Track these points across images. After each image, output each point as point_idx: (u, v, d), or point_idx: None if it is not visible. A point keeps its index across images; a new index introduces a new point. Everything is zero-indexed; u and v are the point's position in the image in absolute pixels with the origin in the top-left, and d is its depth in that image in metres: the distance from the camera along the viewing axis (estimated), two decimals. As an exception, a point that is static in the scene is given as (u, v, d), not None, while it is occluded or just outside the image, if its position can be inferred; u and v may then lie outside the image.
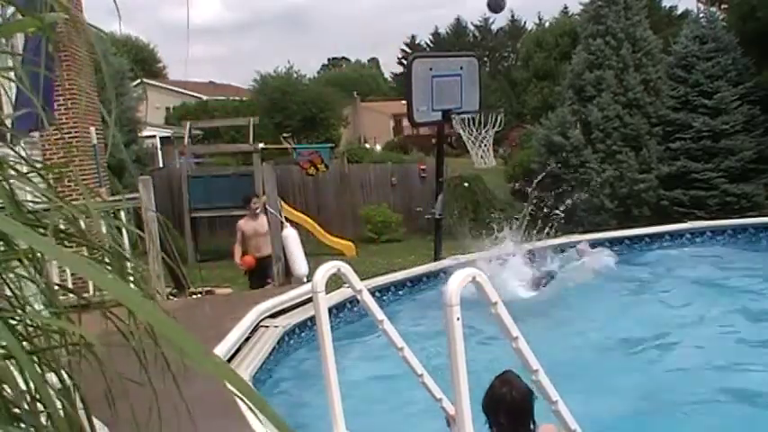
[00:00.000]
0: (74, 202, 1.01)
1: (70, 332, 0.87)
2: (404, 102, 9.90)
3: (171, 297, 7.85)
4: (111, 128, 0.98)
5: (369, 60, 71.87)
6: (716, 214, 12.97)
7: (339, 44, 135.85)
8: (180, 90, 38.42)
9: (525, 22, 47.25)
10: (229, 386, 0.67)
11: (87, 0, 9.97)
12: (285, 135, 24.20)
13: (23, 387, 0.85)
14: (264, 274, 9.25)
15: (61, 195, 1.02)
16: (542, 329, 6.26)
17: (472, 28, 49.98)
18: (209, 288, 9.10)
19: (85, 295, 1.17)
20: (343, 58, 73.70)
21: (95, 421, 0.99)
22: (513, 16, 47.85)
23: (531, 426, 3.15)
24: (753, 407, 4.93)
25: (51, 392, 0.91)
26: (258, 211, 9.38)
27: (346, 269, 3.47)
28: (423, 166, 17.18)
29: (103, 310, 1.01)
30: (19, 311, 0.92)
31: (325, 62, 73.26)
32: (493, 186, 17.18)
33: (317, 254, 11.09)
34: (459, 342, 2.43)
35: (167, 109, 33.93)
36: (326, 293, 3.56)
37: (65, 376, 0.94)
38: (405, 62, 37.67)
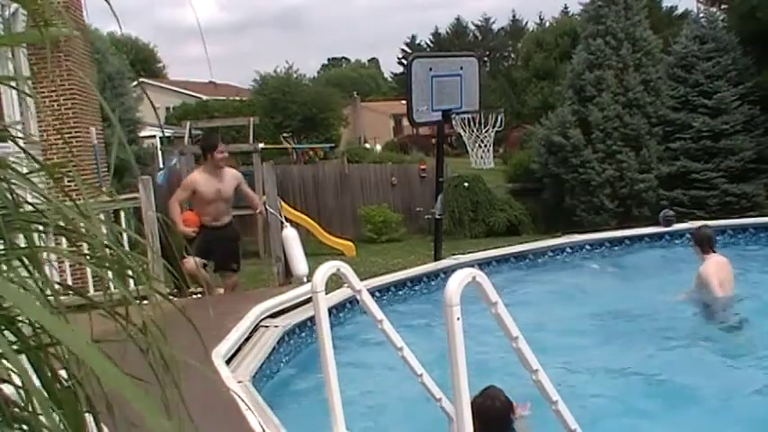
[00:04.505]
0: (72, 201, 1.00)
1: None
2: (404, 102, 9.90)
3: (170, 297, 7.85)
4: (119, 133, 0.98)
5: (369, 60, 71.96)
6: (716, 214, 12.97)
7: (339, 44, 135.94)
8: (180, 90, 38.46)
9: (526, 22, 47.33)
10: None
11: (87, 1, 9.96)
12: (285, 135, 24.21)
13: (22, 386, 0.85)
14: (227, 254, 6.81)
15: (61, 195, 1.02)
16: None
17: (472, 28, 50.03)
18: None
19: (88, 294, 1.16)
20: (343, 58, 73.79)
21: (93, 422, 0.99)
22: (513, 16, 47.93)
23: None
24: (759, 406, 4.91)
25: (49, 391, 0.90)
26: (222, 164, 6.69)
27: (346, 269, 3.47)
28: (423, 167, 17.19)
29: (106, 310, 1.01)
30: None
31: (325, 62, 73.36)
32: (493, 186, 17.17)
33: (317, 254, 11.09)
34: (459, 342, 2.44)
35: (167, 109, 33.95)
36: (326, 293, 3.56)
37: (65, 375, 0.94)
38: (405, 62, 37.70)
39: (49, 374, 0.91)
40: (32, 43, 1.02)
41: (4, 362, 0.77)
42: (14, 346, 0.87)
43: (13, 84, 1.00)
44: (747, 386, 5.20)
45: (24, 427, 0.86)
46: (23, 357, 0.87)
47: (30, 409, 0.87)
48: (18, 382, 0.86)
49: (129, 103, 18.14)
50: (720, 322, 6.51)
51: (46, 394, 0.85)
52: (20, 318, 0.89)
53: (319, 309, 3.44)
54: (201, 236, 6.58)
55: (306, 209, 15.46)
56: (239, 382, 4.35)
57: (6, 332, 0.87)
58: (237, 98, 32.03)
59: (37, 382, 0.87)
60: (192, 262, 6.00)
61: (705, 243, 6.73)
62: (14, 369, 0.74)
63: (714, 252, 6.73)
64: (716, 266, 6.57)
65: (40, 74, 8.15)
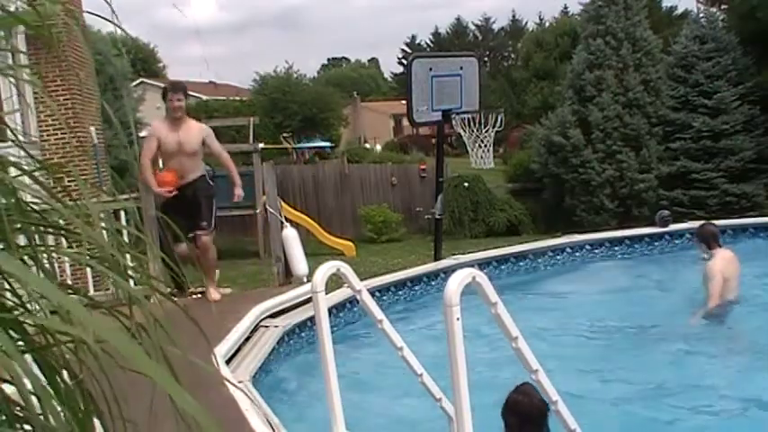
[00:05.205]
0: (73, 202, 1.01)
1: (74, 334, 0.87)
2: (404, 102, 9.91)
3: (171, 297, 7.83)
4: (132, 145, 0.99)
5: (369, 60, 72.02)
6: (716, 214, 12.95)
7: (339, 44, 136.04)
8: (180, 90, 38.31)
9: (526, 23, 47.35)
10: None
11: (86, 1, 9.95)
12: (285, 135, 24.22)
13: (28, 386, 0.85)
14: (194, 211, 6.34)
15: (62, 195, 1.03)
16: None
17: (472, 28, 50.05)
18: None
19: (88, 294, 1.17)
20: (343, 58, 73.85)
21: (96, 422, 0.99)
22: (513, 16, 47.96)
23: None
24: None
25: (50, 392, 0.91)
26: (177, 113, 6.24)
27: (346, 269, 3.47)
28: (423, 167, 17.19)
29: (108, 309, 1.02)
30: (21, 311, 0.92)
31: (325, 62, 73.42)
32: (493, 186, 17.17)
33: (317, 254, 11.09)
34: (458, 342, 2.44)
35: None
36: (326, 293, 3.56)
37: (68, 375, 0.94)
38: (405, 62, 37.71)
39: (53, 374, 0.91)
40: (30, 28, 1.01)
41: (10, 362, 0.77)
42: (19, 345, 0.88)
43: (11, 73, 1.00)
44: (747, 384, 5.21)
45: (27, 426, 0.87)
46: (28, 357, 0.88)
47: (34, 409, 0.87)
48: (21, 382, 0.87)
49: (131, 103, 18.16)
50: (721, 321, 6.51)
51: (52, 394, 0.85)
52: (24, 318, 0.89)
53: (319, 309, 3.44)
54: (171, 198, 6.16)
55: (306, 209, 15.46)
56: (239, 381, 4.36)
57: (10, 331, 0.87)
58: (237, 98, 32.02)
59: (43, 382, 0.87)
60: (184, 247, 5.80)
61: (711, 239, 6.73)
62: (19, 370, 0.74)
63: (720, 246, 6.73)
64: (723, 262, 6.56)
65: (38, 73, 8.13)
